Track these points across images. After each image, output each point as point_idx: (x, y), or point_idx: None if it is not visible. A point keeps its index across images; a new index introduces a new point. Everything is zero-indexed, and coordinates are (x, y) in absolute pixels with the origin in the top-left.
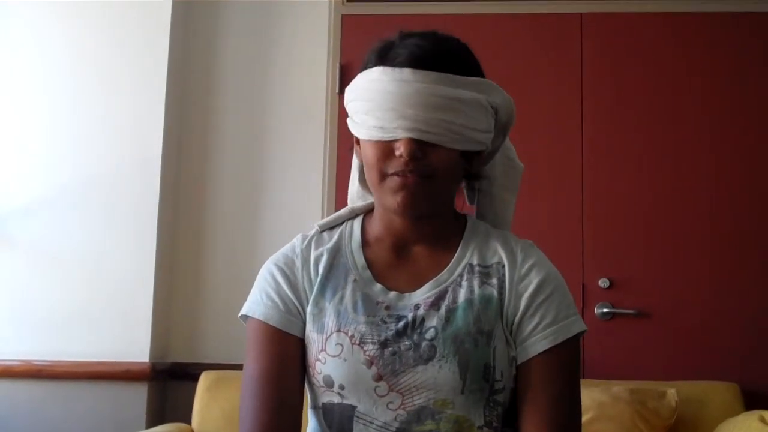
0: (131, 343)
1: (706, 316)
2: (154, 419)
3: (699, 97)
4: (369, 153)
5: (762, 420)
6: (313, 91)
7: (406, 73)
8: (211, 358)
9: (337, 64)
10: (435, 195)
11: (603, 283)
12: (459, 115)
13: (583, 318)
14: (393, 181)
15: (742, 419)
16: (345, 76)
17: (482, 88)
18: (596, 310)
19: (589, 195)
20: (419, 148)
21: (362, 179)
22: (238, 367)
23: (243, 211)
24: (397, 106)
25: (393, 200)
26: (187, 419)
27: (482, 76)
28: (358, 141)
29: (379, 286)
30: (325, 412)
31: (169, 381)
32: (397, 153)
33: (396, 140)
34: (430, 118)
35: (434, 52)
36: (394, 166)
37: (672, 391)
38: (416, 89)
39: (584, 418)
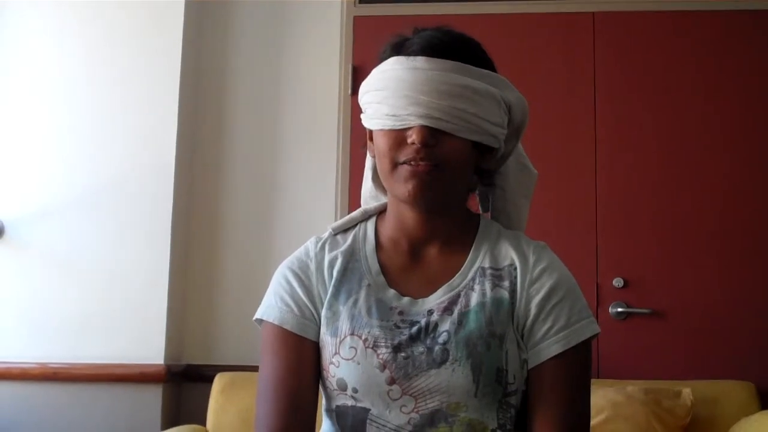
0: (146, 345)
1: (721, 314)
2: (169, 421)
3: (713, 95)
4: (381, 142)
5: None
6: (326, 93)
7: (420, 60)
8: (225, 360)
9: (350, 66)
10: (446, 185)
11: (617, 282)
12: (472, 104)
13: (597, 318)
14: (404, 170)
15: (758, 418)
16: (357, 78)
17: (495, 82)
18: (611, 310)
19: (603, 194)
20: (432, 135)
21: (375, 178)
22: (253, 368)
23: (256, 212)
24: (411, 92)
25: (404, 189)
26: (202, 421)
27: (495, 72)
28: (371, 137)
29: (392, 291)
30: (339, 415)
31: (183, 383)
32: (410, 140)
33: (408, 128)
34: (443, 105)
35: (449, 43)
36: (405, 154)
37: (687, 391)
38: (429, 76)
39: (599, 418)
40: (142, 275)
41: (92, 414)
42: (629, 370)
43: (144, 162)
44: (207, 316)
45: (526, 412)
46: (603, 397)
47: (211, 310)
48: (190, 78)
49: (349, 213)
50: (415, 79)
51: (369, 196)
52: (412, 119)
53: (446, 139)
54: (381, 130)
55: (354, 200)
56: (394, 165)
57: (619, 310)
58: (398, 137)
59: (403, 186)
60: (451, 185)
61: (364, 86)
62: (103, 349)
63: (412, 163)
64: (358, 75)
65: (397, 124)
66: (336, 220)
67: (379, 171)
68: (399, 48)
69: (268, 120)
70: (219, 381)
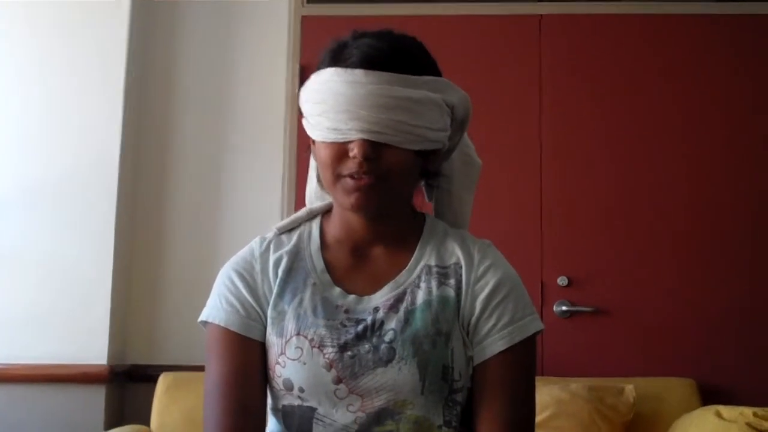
0: (89, 345)
1: (663, 313)
2: (113, 422)
3: (658, 96)
4: (323, 154)
5: (718, 414)
6: (273, 92)
7: (359, 74)
8: (169, 360)
9: (297, 65)
10: (390, 195)
11: (562, 281)
12: (413, 115)
13: (541, 316)
14: (347, 183)
15: (698, 414)
16: (305, 77)
17: (437, 87)
18: (555, 308)
19: (548, 193)
20: (373, 149)
21: (320, 179)
22: (197, 368)
23: (202, 211)
24: (351, 107)
25: (347, 201)
26: (146, 421)
27: (438, 74)
28: (314, 141)
29: (338, 289)
30: (285, 415)
31: (127, 383)
32: (351, 154)
33: (350, 141)
34: (383, 119)
35: (387, 53)
36: (348, 168)
37: (630, 388)
38: (369, 90)
39: (543, 415)
40: (85, 274)
41: (33, 416)
42: (573, 368)
43: (88, 160)
44: (151, 315)
45: (472, 409)
46: (547, 394)
47: (155, 310)
48: (135, 77)
49: (295, 212)
50: (354, 93)
51: (314, 196)
52: (353, 133)
53: (388, 150)
54: (323, 142)
55: (300, 200)
56: (337, 177)
57: (564, 308)
58: (340, 150)
59: (346, 198)
60: (396, 193)
61: (304, 94)
62: (44, 349)
63: (355, 176)
64: (305, 74)
65: (339, 138)
66: (282, 219)
67: (323, 180)
68: (337, 57)
69: (214, 118)
70: (163, 381)
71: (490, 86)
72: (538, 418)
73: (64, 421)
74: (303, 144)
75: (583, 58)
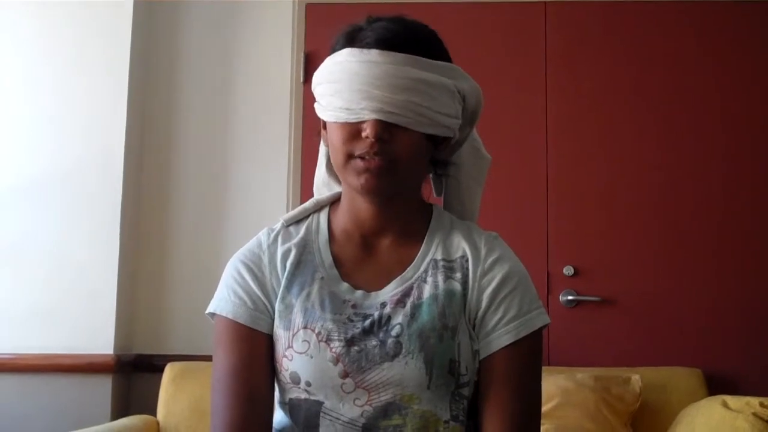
0: (95, 335)
1: (669, 302)
2: (119, 411)
3: (663, 85)
4: (335, 135)
5: (724, 404)
6: (278, 82)
7: (374, 54)
8: (175, 350)
9: (302, 54)
10: (400, 178)
11: (567, 270)
12: (426, 97)
13: (547, 305)
14: (357, 164)
15: (705, 404)
16: (310, 66)
17: (450, 73)
18: (561, 298)
19: (554, 183)
20: (386, 129)
21: (329, 166)
22: (203, 358)
23: (207, 201)
24: (364, 86)
25: (357, 181)
26: (152, 411)
27: (450, 62)
28: (325, 126)
29: (345, 285)
30: (292, 408)
31: (133, 373)
32: (364, 134)
33: (362, 121)
34: (397, 99)
35: (403, 35)
36: (360, 148)
37: (636, 377)
38: (383, 70)
39: (549, 405)
40: (92, 264)
41: (40, 405)
42: (579, 357)
43: (93, 151)
44: (157, 305)
45: (478, 403)
46: (553, 384)
47: (161, 299)
48: (139, 68)
49: (301, 203)
50: (368, 72)
51: (321, 183)
52: (365, 113)
53: (400, 132)
54: (335, 122)
55: (306, 190)
56: (348, 158)
57: (570, 297)
58: (352, 130)
59: (356, 179)
60: (406, 178)
61: (317, 76)
62: (51, 340)
63: (366, 157)
64: (310, 63)
65: (351, 118)
66: (287, 210)
67: (333, 163)
68: (352, 38)
69: (219, 108)
70: (169, 371)
71: (495, 74)
72: (544, 408)
73: (71, 411)
74: (309, 134)
75: (588, 46)
